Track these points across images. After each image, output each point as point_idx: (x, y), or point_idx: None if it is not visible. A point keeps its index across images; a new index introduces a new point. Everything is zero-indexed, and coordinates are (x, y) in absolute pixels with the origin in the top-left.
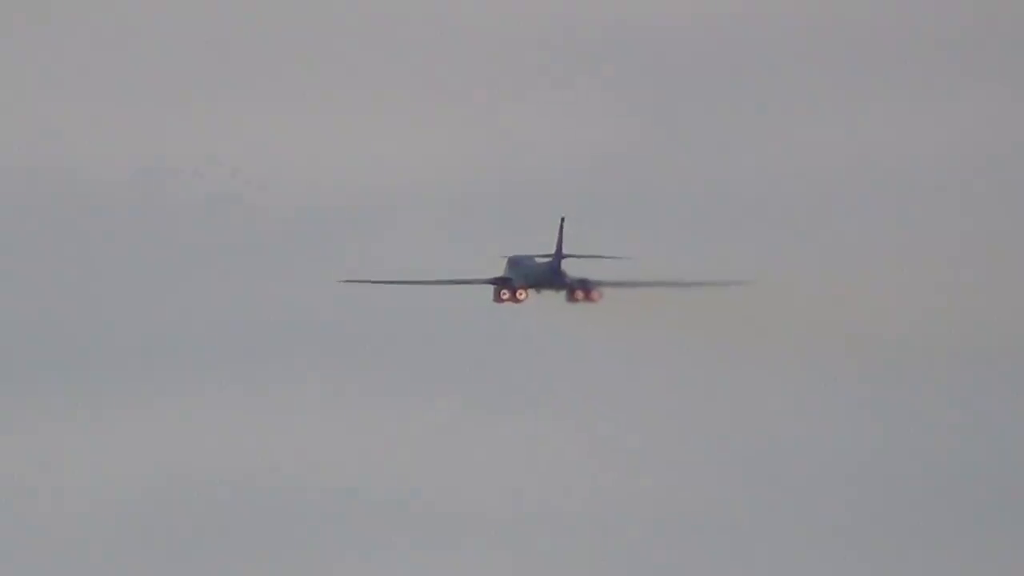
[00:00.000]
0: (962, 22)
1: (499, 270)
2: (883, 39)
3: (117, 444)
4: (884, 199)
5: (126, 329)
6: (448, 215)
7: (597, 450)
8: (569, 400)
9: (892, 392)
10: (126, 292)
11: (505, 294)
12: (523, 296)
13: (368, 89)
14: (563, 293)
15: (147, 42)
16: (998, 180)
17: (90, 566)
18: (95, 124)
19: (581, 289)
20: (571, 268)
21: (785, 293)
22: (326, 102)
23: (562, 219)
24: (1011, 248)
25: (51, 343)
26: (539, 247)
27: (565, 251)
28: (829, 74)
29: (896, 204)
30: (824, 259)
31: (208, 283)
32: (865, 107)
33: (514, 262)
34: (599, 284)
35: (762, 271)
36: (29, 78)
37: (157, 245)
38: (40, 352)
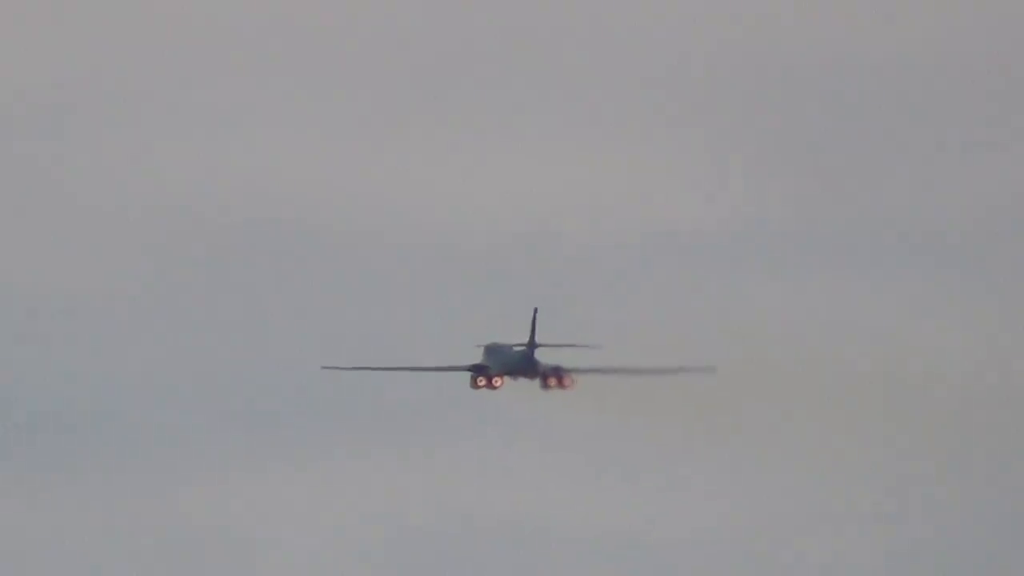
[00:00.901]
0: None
1: (476, 357)
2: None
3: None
4: (842, 279)
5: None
6: (427, 304)
7: (570, 527)
8: (542, 480)
9: (862, 466)
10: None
11: (481, 381)
12: (499, 383)
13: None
14: (537, 380)
15: None
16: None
17: None
18: None
19: (554, 376)
20: (546, 356)
21: (748, 378)
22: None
23: (535, 310)
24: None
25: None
26: (516, 336)
27: (539, 340)
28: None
29: (856, 282)
30: (786, 343)
31: (193, 368)
32: (827, 189)
33: (490, 350)
34: (572, 371)
35: (725, 358)
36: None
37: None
38: None
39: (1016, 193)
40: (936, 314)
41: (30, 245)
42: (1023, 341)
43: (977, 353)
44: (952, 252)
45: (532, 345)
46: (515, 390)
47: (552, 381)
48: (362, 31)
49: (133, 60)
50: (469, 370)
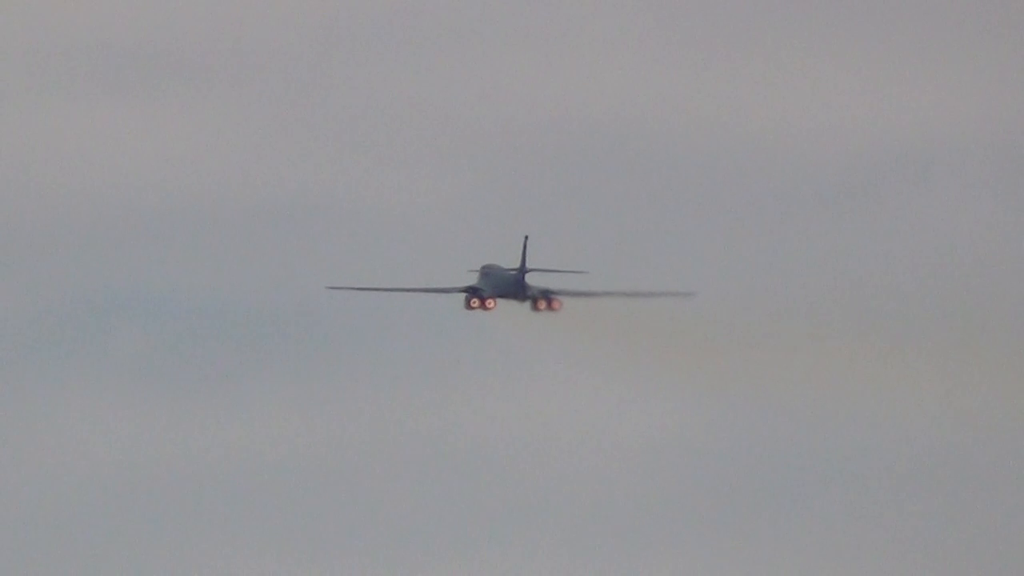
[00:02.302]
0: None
1: (473, 279)
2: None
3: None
4: (826, 219)
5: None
6: (426, 229)
7: (553, 447)
8: (529, 400)
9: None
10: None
11: (475, 302)
12: (492, 305)
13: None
14: (527, 303)
15: None
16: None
17: None
18: None
19: (543, 299)
20: (537, 280)
21: (726, 305)
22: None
23: (525, 237)
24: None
25: None
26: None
27: (530, 266)
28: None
29: (839, 224)
30: (764, 274)
31: (202, 284)
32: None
33: (485, 273)
34: (560, 294)
35: (705, 284)
36: None
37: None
38: None
39: None
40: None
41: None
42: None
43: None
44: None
45: (523, 270)
46: (506, 311)
47: (541, 304)
48: None
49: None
50: (464, 291)
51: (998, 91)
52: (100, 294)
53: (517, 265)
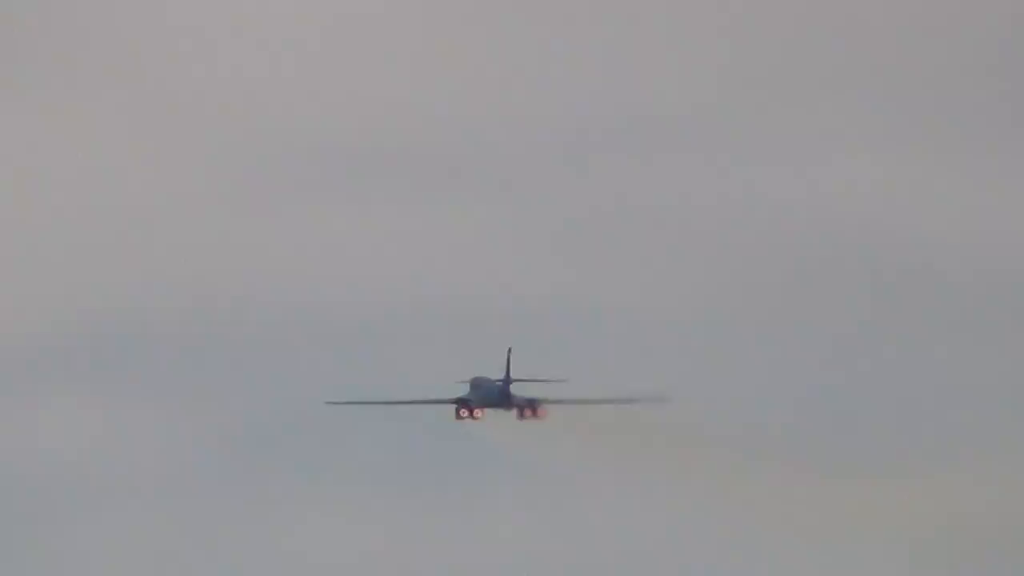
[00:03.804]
0: None
1: (463, 391)
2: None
3: None
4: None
5: None
6: (416, 344)
7: (540, 543)
8: (516, 500)
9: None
10: None
11: (464, 412)
12: (480, 415)
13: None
14: (513, 411)
15: None
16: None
17: None
18: None
19: (528, 408)
20: (522, 390)
21: (701, 409)
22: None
23: (509, 349)
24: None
25: None
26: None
27: (515, 376)
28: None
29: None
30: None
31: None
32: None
33: (475, 385)
34: (544, 402)
35: (680, 390)
36: None
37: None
38: None
39: None
40: None
41: None
42: None
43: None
44: None
45: (507, 380)
46: (494, 420)
47: (527, 412)
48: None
49: None
50: (454, 403)
51: None
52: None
53: (503, 376)
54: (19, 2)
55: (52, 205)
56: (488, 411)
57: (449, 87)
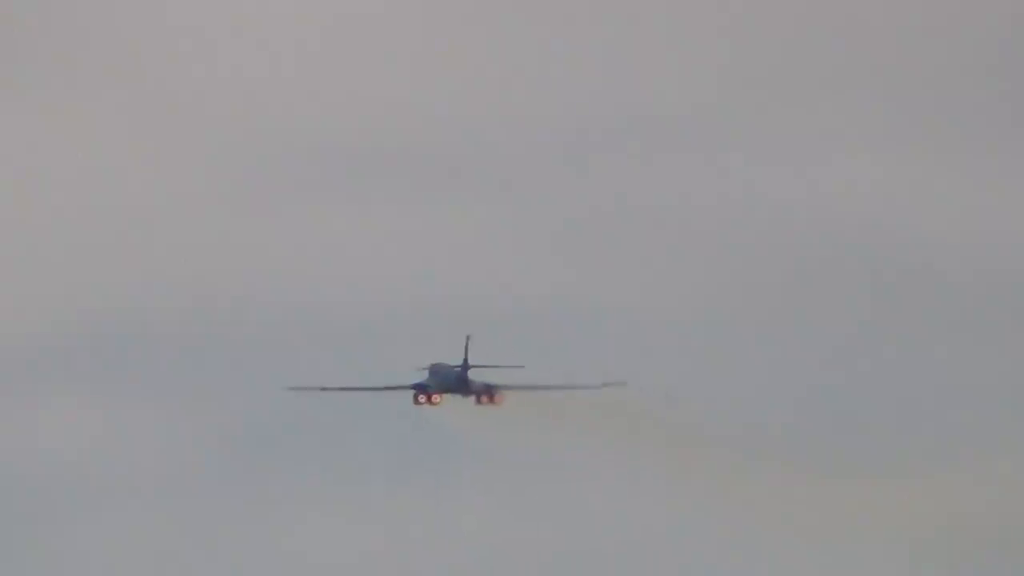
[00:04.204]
0: None
1: (422, 376)
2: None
3: None
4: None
5: None
6: (374, 330)
7: (497, 531)
8: (474, 486)
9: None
10: None
11: (422, 398)
12: (438, 400)
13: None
14: (471, 397)
15: None
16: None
17: None
18: None
19: (486, 394)
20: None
21: (652, 394)
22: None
23: (467, 336)
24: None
25: None
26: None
27: (472, 363)
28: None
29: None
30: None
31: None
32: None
33: (434, 370)
34: (501, 388)
35: (634, 375)
36: None
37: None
38: None
39: None
40: None
41: None
42: None
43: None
44: None
45: (465, 366)
46: (451, 406)
47: (484, 398)
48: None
49: None
50: (412, 388)
51: None
52: None
53: (461, 362)
54: (19, 2)
55: (52, 205)
56: (446, 397)
57: (449, 87)
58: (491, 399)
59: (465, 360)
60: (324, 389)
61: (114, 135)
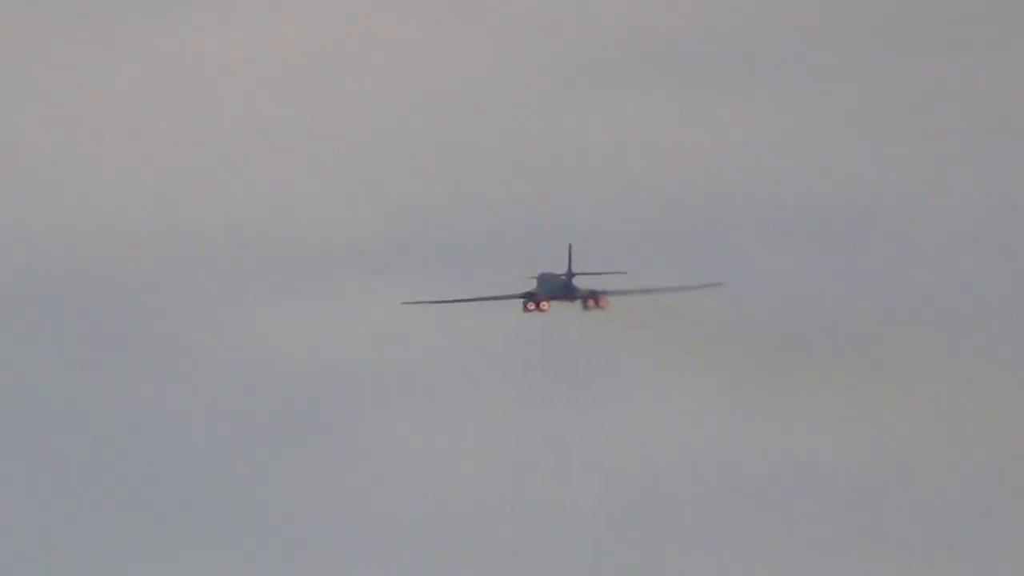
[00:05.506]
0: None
1: (530, 285)
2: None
3: None
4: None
5: None
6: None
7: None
8: (586, 393)
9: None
10: None
11: (531, 306)
12: (546, 307)
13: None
14: (578, 303)
15: None
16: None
17: None
18: None
19: (592, 299)
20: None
21: (752, 294)
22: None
23: (570, 245)
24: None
25: None
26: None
27: (577, 270)
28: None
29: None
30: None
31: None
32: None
33: (542, 279)
34: (607, 294)
35: (733, 275)
36: None
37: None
38: None
39: None
40: None
41: None
42: None
43: None
44: None
45: (569, 275)
46: (560, 312)
47: (591, 303)
48: None
49: None
50: (521, 297)
51: None
52: None
53: (566, 271)
54: (19, 2)
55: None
56: (554, 304)
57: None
58: (597, 303)
59: (569, 268)
60: (439, 302)
61: (114, 134)
